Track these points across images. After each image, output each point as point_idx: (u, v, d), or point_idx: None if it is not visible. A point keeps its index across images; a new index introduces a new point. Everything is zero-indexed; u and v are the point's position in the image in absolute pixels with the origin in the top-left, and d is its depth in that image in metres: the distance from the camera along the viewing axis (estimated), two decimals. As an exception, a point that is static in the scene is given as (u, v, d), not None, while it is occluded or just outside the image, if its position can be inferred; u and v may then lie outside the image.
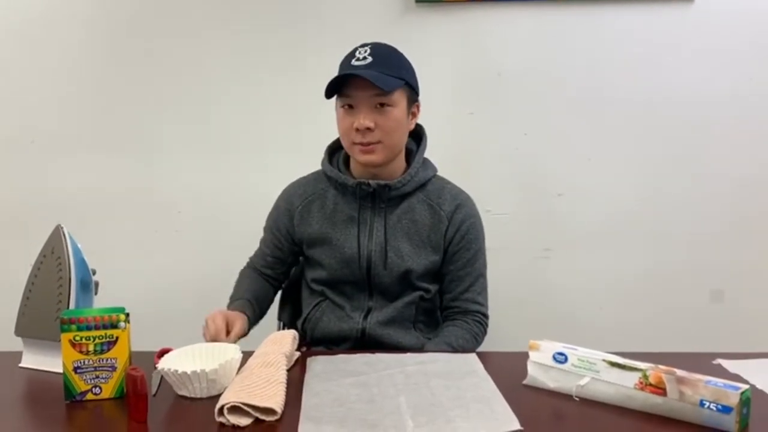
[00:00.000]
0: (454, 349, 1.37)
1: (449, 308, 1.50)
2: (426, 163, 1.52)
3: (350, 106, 1.40)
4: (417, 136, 1.53)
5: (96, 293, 1.28)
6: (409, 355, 1.27)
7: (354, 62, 1.39)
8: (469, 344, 1.42)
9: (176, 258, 2.21)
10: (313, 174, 1.56)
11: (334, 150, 1.54)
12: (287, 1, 2.11)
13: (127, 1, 2.13)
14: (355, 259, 1.45)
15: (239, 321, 1.36)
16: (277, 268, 1.59)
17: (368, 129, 1.38)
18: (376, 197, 1.46)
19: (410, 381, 1.13)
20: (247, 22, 2.13)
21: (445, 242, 1.47)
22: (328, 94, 1.39)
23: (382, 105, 1.38)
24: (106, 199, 2.18)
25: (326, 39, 2.08)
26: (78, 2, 2.13)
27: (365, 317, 1.46)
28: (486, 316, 1.49)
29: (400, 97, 1.41)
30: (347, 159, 1.52)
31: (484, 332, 1.48)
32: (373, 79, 1.34)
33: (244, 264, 1.62)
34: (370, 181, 1.44)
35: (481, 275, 1.51)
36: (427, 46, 2.10)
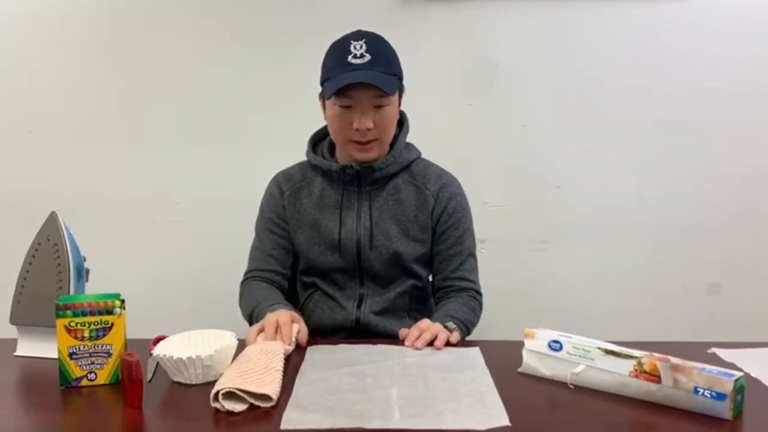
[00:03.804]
0: (460, 320, 1.37)
1: (442, 288, 1.50)
2: (409, 146, 1.53)
3: (348, 106, 1.38)
4: (399, 120, 1.52)
5: (87, 280, 1.28)
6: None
7: (351, 59, 1.36)
8: (469, 316, 1.42)
9: (173, 248, 2.21)
10: (298, 164, 1.56)
11: (318, 140, 1.55)
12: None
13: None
14: (345, 243, 1.45)
15: (302, 321, 1.32)
16: (285, 262, 1.52)
17: (367, 129, 1.38)
18: (362, 180, 1.46)
19: (407, 372, 1.12)
20: (242, 16, 2.12)
21: (433, 221, 1.48)
22: (330, 94, 1.37)
23: (380, 105, 1.38)
24: (104, 190, 2.18)
25: (322, 31, 2.03)
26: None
27: (358, 306, 1.47)
28: (479, 293, 1.49)
29: (395, 94, 1.41)
30: (332, 147, 1.52)
31: (480, 307, 1.48)
32: (379, 83, 1.34)
33: (242, 280, 1.53)
34: (354, 164, 1.44)
35: (471, 254, 1.51)
36: (425, 37, 2.10)
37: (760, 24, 2.10)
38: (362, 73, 1.35)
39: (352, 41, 1.39)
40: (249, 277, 1.52)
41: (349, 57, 1.37)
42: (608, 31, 2.11)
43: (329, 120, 1.44)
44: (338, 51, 1.40)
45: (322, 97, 1.45)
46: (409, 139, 1.54)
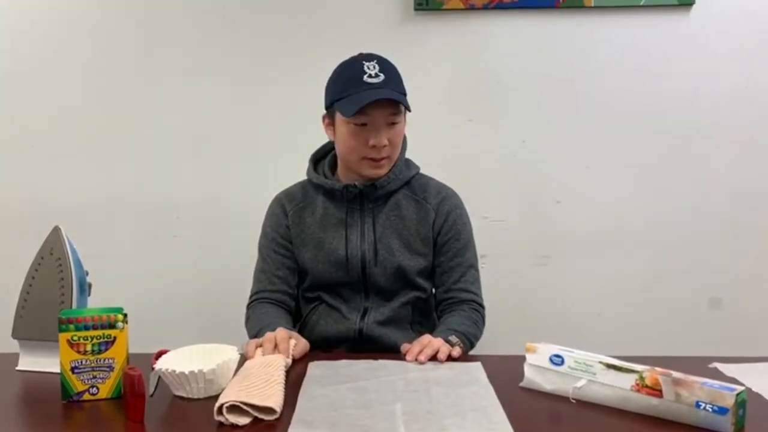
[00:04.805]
0: (462, 333, 1.37)
1: (443, 300, 1.51)
2: (408, 162, 1.56)
3: (364, 124, 1.41)
4: None
5: (89, 294, 1.28)
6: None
7: (367, 79, 1.39)
8: (471, 329, 1.42)
9: (175, 263, 2.21)
10: (299, 183, 1.58)
11: (318, 159, 1.57)
12: (286, 8, 2.13)
13: (126, 6, 2.14)
14: (350, 260, 1.47)
15: (303, 339, 1.34)
16: (291, 282, 1.53)
17: (383, 146, 1.41)
18: (364, 198, 1.49)
19: (410, 388, 1.12)
20: (246, 29, 2.14)
21: (434, 233, 1.50)
22: (353, 112, 1.37)
23: (394, 123, 1.42)
24: (106, 204, 2.18)
25: (326, 46, 2.08)
26: (77, 6, 2.14)
27: (362, 317, 1.48)
28: (482, 306, 1.50)
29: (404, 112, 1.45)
30: (333, 166, 1.54)
31: (483, 320, 1.48)
32: (399, 99, 1.39)
33: (247, 305, 1.53)
34: (356, 183, 1.47)
35: (473, 266, 1.52)
36: (426, 53, 2.12)
37: (762, 36, 2.11)
38: (381, 92, 1.38)
39: (364, 62, 1.42)
40: (256, 299, 1.52)
41: (365, 77, 1.40)
42: (609, 46, 2.12)
43: (341, 139, 1.45)
44: (351, 71, 1.43)
45: (329, 117, 1.48)
46: (409, 154, 1.57)
